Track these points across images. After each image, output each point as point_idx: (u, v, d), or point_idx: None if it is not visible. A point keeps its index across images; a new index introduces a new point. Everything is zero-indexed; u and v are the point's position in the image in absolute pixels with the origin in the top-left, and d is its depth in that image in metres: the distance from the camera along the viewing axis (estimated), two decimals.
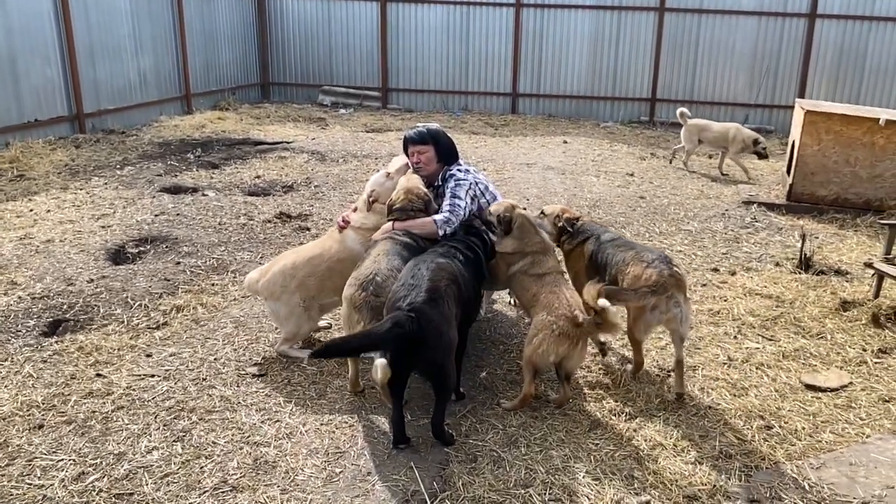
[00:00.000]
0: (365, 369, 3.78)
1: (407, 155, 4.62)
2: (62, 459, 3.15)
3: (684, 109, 10.04)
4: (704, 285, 5.57)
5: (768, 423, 3.63)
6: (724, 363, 4.28)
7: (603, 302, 3.44)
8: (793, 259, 6.09)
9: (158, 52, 12.21)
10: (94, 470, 3.09)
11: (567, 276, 4.21)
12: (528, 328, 3.77)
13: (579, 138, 12.35)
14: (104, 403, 3.61)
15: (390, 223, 4.13)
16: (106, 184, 7.85)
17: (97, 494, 2.94)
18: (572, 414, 3.66)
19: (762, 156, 9.57)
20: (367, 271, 3.66)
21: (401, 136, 5.36)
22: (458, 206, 4.26)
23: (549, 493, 3.02)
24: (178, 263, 5.60)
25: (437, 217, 4.15)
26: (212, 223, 6.65)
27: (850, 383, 4.06)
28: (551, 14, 14.45)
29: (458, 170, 4.51)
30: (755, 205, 8.09)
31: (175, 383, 3.84)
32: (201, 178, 8.35)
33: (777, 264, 6.09)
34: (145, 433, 3.37)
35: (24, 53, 9.27)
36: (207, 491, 2.99)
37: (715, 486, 3.10)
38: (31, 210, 6.77)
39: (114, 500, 2.92)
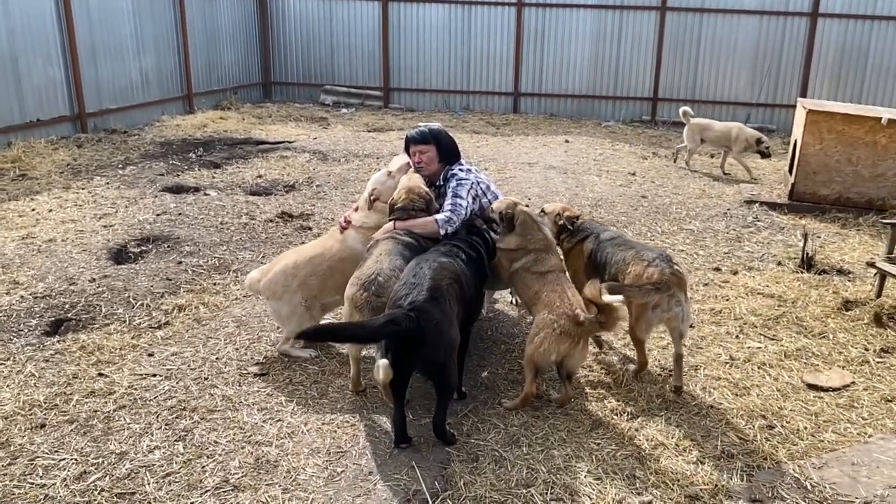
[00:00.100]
0: (366, 369, 3.78)
1: (408, 154, 4.62)
2: (64, 459, 3.16)
3: (687, 108, 10.02)
4: (706, 284, 5.57)
5: (770, 422, 3.63)
6: (726, 363, 4.27)
7: (611, 297, 3.41)
8: (795, 258, 6.08)
9: (160, 51, 12.22)
10: (95, 469, 3.10)
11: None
12: (530, 327, 3.77)
13: (581, 137, 12.34)
14: (106, 403, 3.61)
15: (392, 223, 4.13)
16: (108, 183, 7.86)
17: (99, 494, 2.94)
18: (574, 413, 3.66)
19: (765, 155, 9.55)
20: (370, 271, 3.66)
21: (402, 135, 5.36)
22: (460, 205, 4.26)
23: (551, 493, 3.02)
24: (180, 263, 5.60)
25: (439, 216, 4.15)
26: (214, 222, 6.66)
27: (853, 383, 4.06)
28: (553, 13, 14.44)
29: (460, 169, 4.51)
30: (757, 204, 8.07)
31: (177, 383, 3.85)
32: (203, 178, 8.35)
33: (779, 264, 6.08)
34: (147, 432, 3.38)
35: (26, 53, 9.28)
36: (209, 490, 2.99)
37: (717, 485, 3.09)
38: (34, 209, 6.78)
39: (115, 499, 2.92)
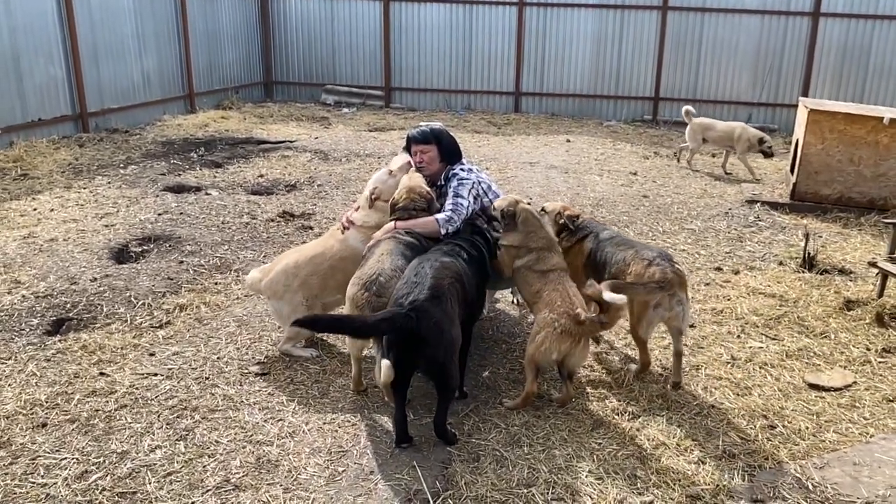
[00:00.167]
0: (367, 368, 3.78)
1: (410, 154, 4.61)
2: (65, 458, 3.16)
3: (689, 108, 10.00)
4: (708, 284, 5.56)
5: (772, 422, 3.62)
6: (728, 362, 4.27)
7: (612, 296, 3.40)
8: (796, 258, 6.07)
9: (162, 51, 12.23)
10: (97, 468, 3.10)
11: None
12: (531, 327, 3.76)
13: (582, 137, 12.34)
14: (107, 402, 3.62)
15: (393, 222, 4.12)
16: (109, 183, 7.87)
17: (100, 493, 2.94)
18: (575, 413, 3.66)
19: (768, 154, 9.53)
20: (371, 271, 3.66)
21: (403, 134, 5.36)
22: (461, 205, 4.25)
23: (552, 493, 3.02)
24: (182, 262, 5.60)
25: (440, 216, 4.15)
26: (215, 222, 6.66)
27: (854, 383, 4.05)
28: (554, 13, 14.43)
29: (461, 169, 4.50)
30: (758, 204, 8.06)
31: (178, 382, 3.85)
32: (204, 177, 8.36)
33: (780, 263, 6.08)
34: (148, 432, 3.38)
35: (28, 52, 9.29)
36: (210, 490, 2.99)
37: (718, 485, 3.09)
38: (35, 209, 6.78)
39: (117, 498, 2.93)
